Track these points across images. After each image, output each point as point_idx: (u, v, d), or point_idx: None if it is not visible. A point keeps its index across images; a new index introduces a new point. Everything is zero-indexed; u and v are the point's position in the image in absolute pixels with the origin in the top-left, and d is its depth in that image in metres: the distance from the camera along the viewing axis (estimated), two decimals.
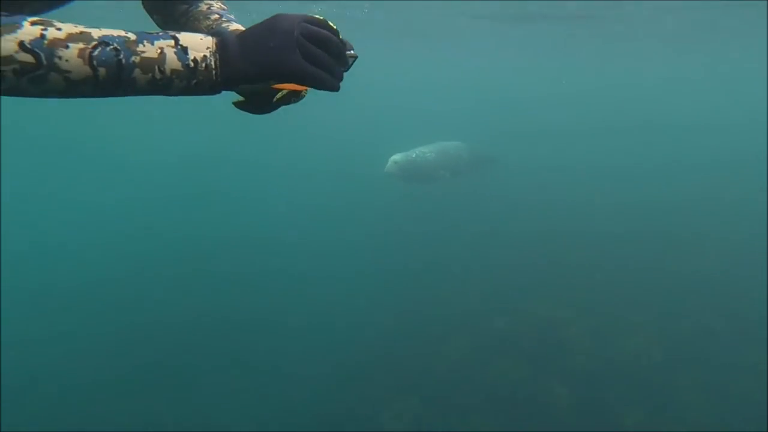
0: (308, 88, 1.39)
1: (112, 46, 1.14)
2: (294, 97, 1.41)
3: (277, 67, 1.24)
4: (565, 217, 12.48)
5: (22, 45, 1.07)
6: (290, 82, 1.28)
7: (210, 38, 1.25)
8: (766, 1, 12.91)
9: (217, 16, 1.74)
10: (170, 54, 1.19)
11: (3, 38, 1.06)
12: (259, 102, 1.42)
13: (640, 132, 22.54)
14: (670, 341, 7.72)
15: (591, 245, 10.91)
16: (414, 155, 12.16)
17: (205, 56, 1.22)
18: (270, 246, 11.78)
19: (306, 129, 20.78)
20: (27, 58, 1.07)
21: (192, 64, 1.21)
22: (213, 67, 1.23)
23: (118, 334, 8.52)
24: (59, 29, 1.12)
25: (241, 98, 1.42)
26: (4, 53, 1.06)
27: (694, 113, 28.16)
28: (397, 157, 11.91)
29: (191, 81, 1.22)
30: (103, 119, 25.11)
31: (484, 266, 10.25)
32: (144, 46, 1.18)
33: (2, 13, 1.10)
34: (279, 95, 1.39)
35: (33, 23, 1.10)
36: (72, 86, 1.13)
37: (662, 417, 6.45)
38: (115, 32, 1.17)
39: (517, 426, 6.37)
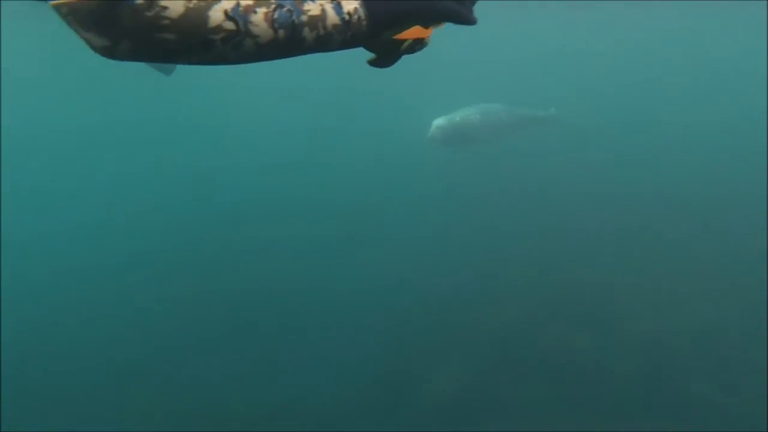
0: (430, 36, 1.41)
1: (286, 8, 1.18)
2: (418, 45, 1.42)
3: (422, 8, 1.30)
4: (621, 178, 12.03)
5: (226, 13, 1.11)
6: (436, 21, 1.34)
7: None
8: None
9: None
10: (329, 10, 1.23)
11: (213, 8, 1.09)
12: (388, 55, 1.42)
13: (703, 88, 21.55)
14: (740, 310, 7.33)
15: (648, 208, 10.53)
16: (458, 119, 11.82)
17: (356, 8, 1.26)
18: (319, 211, 11.74)
19: (344, 97, 20.78)
20: (230, 25, 1.11)
21: (347, 17, 1.25)
22: (363, 17, 1.27)
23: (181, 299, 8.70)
24: None
25: (373, 56, 1.43)
26: (214, 23, 1.10)
27: None
28: (440, 121, 11.60)
29: (347, 34, 1.27)
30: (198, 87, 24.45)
31: (536, 230, 10.01)
32: (308, 4, 1.22)
33: None
34: (405, 45, 1.39)
35: None
36: (260, 50, 1.18)
37: (730, 388, 6.13)
38: None
39: (571, 393, 6.19)
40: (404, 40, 1.36)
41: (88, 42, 1.06)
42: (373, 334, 7.50)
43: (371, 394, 6.51)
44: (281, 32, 1.17)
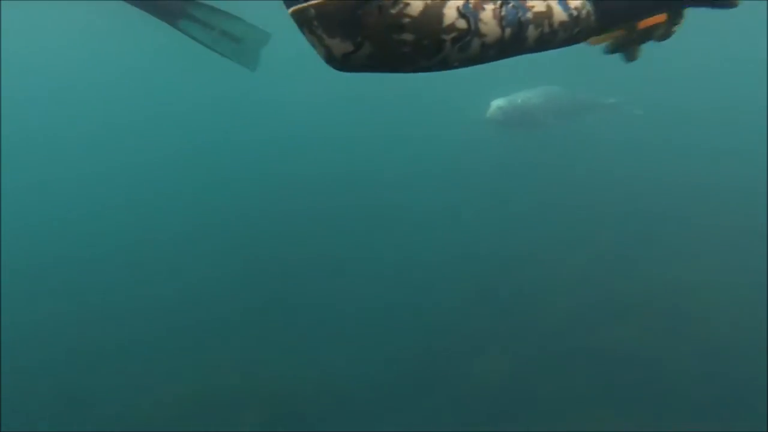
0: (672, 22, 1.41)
1: (511, 4, 1.10)
2: (662, 32, 1.40)
3: None
4: (694, 166, 11.34)
5: (458, 10, 1.04)
6: (685, 5, 1.28)
7: None
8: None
9: None
10: (554, 6, 1.16)
11: (446, 6, 1.03)
12: (629, 46, 1.43)
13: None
14: None
15: (729, 201, 9.74)
16: (519, 100, 11.60)
17: (583, 2, 1.20)
18: (367, 186, 11.72)
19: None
20: (462, 24, 1.05)
21: (575, 13, 1.18)
22: (591, 11, 1.20)
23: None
24: None
25: (608, 44, 1.43)
26: (448, 21, 1.03)
27: None
28: (500, 101, 11.28)
29: (574, 30, 1.20)
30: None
31: (601, 220, 9.68)
32: (531, 1, 1.14)
33: None
34: (655, 32, 1.39)
35: None
36: (483, 52, 1.10)
37: None
38: None
39: (624, 394, 5.94)
40: (651, 28, 1.35)
41: (329, 50, 1.03)
42: (419, 316, 7.42)
43: (410, 379, 6.42)
44: (507, 30, 1.09)
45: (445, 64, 1.08)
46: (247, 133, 16.62)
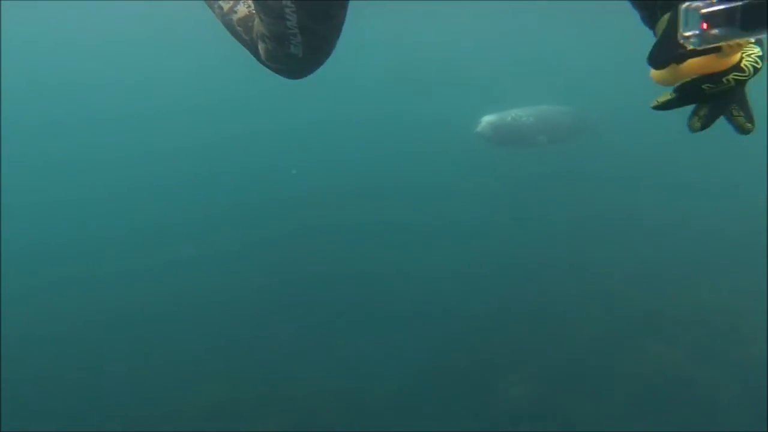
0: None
1: None
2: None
3: None
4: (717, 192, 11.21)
5: None
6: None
7: None
8: None
9: None
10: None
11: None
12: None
13: None
14: None
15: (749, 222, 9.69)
16: (510, 118, 11.42)
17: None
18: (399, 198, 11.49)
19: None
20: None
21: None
22: None
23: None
24: None
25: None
26: None
27: None
28: (490, 117, 10.94)
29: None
30: None
31: (632, 237, 9.69)
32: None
33: None
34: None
35: None
36: None
37: None
38: None
39: (662, 416, 5.80)
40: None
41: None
42: (444, 329, 7.42)
43: (434, 393, 6.43)
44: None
45: None
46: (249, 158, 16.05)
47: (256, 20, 1.76)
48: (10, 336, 7.27)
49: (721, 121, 1.14)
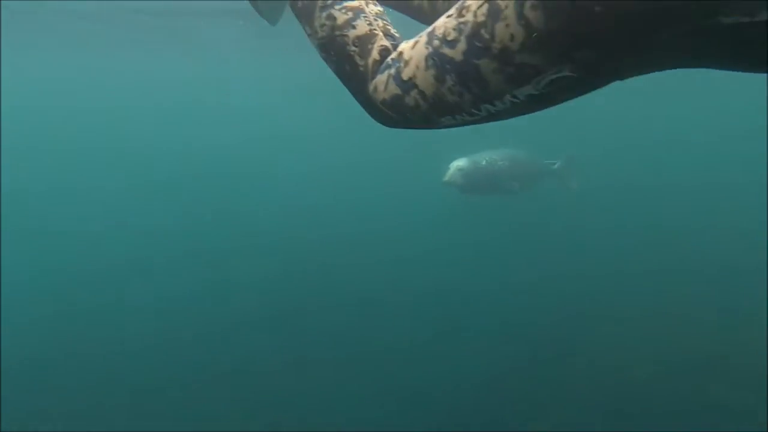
0: None
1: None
2: None
3: None
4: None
5: None
6: None
7: None
8: None
9: None
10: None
11: None
12: None
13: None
14: None
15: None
16: (483, 162, 10.69)
17: None
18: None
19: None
20: None
21: None
22: None
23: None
24: None
25: None
26: None
27: None
28: (461, 163, 10.01)
29: None
30: None
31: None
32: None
33: None
34: None
35: None
36: None
37: None
38: None
39: None
40: None
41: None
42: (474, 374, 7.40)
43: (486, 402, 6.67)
44: None
45: None
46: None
47: (414, 68, 1.35)
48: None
49: None
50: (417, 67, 1.34)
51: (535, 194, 11.67)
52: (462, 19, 1.21)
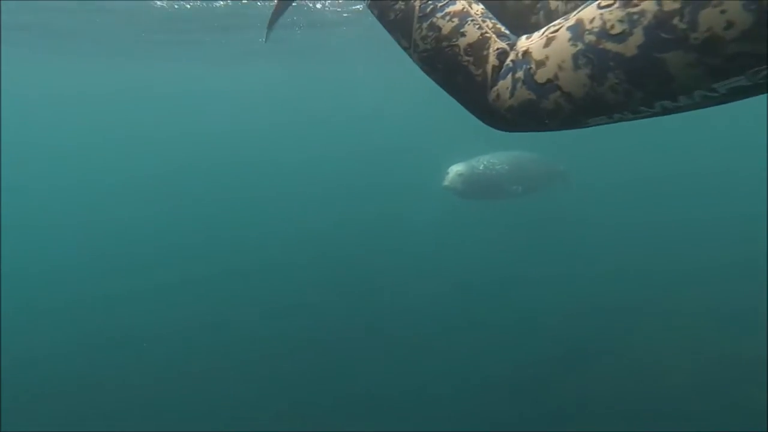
0: None
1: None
2: None
3: None
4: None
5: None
6: None
7: None
8: None
9: None
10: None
11: None
12: None
13: None
14: None
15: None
16: (481, 167, 10.30)
17: None
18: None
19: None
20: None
21: None
22: None
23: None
24: None
25: None
26: None
27: None
28: (459, 168, 9.70)
29: None
30: None
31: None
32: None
33: None
34: None
35: None
36: None
37: None
38: None
39: None
40: None
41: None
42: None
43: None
44: None
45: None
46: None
47: (555, 68, 1.20)
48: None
49: None
50: (560, 67, 1.20)
51: (544, 195, 11.42)
52: (635, 9, 1.06)
